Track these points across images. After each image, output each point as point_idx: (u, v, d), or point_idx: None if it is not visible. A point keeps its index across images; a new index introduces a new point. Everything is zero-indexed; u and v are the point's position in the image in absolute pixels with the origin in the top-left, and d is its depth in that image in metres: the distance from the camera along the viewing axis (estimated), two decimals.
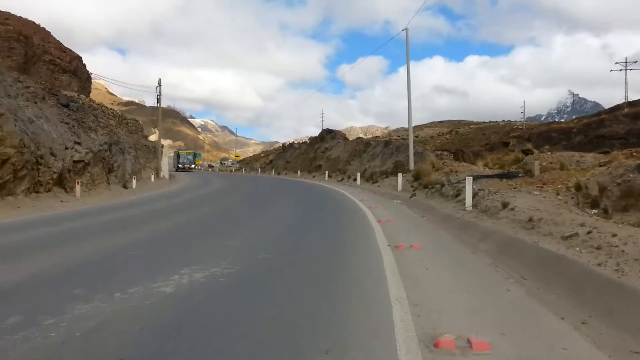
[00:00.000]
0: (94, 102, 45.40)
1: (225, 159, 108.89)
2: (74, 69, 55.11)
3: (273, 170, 67.61)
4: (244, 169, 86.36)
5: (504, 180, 16.65)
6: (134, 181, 30.07)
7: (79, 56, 64.49)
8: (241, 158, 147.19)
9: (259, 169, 76.94)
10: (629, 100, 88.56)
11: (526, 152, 24.19)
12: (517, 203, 11.17)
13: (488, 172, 19.38)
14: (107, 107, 45.19)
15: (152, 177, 38.65)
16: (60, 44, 58.41)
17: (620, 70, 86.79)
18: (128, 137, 44.63)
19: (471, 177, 13.74)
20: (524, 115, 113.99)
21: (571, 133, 72.50)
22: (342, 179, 40.56)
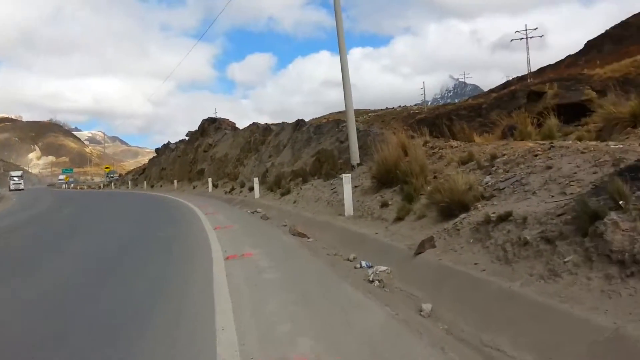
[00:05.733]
0: None
1: (113, 172, 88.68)
2: None
3: (145, 182, 51.57)
4: (113, 184, 68.45)
5: None
6: None
7: None
8: (132, 169, 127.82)
9: (129, 182, 60.12)
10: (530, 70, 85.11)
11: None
12: None
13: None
14: None
15: None
16: None
17: (521, 39, 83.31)
18: None
19: None
20: (424, 96, 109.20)
21: (482, 109, 65.46)
22: (233, 188, 26.41)
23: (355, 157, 14.46)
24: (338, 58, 15.42)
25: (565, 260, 4.16)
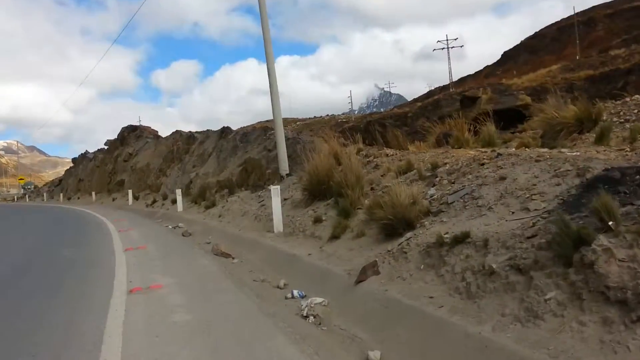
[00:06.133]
0: None
1: (29, 183, 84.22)
2: None
3: (61, 195, 48.02)
4: (27, 197, 63.55)
5: None
6: None
7: None
8: (50, 179, 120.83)
9: (45, 194, 55.94)
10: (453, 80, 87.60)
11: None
12: None
13: None
14: None
15: None
16: None
17: (442, 48, 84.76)
18: None
19: None
20: (351, 105, 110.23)
21: (407, 118, 66.76)
22: (154, 200, 24.63)
23: (284, 166, 13.47)
24: (265, 66, 14.44)
25: (547, 297, 3.33)
